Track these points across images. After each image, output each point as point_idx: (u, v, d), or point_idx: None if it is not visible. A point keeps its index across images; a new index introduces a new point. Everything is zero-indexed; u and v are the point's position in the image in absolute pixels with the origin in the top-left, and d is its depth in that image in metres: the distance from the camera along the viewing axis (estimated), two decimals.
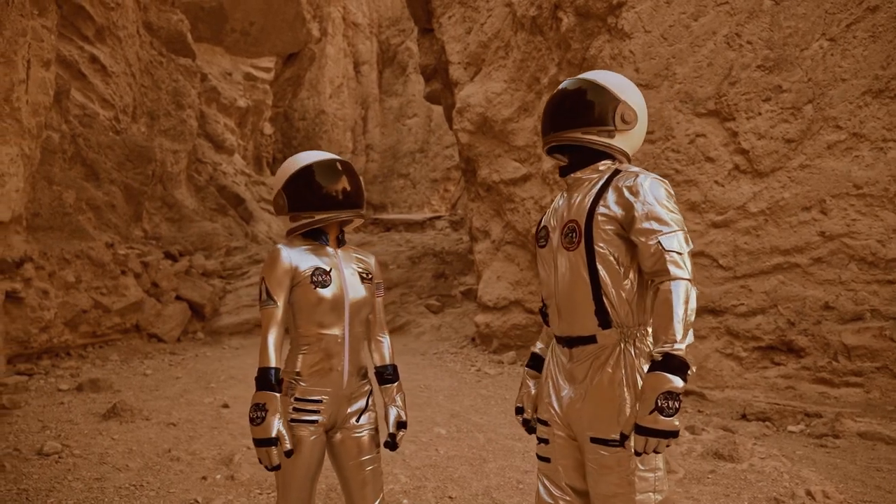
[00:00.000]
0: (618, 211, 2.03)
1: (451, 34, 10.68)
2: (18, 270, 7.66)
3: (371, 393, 2.65)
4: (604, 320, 2.07)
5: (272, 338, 2.38)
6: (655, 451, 1.85)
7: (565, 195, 2.24)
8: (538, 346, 2.45)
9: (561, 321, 2.16)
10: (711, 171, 7.01)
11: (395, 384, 2.71)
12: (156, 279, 10.30)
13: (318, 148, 28.42)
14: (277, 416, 2.28)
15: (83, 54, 10.23)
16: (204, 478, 4.35)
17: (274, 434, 2.26)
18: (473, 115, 9.94)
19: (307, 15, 18.76)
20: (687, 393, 6.86)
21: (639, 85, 7.48)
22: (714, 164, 6.99)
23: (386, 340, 2.77)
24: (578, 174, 2.17)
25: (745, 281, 6.82)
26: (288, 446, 2.30)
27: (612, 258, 2.05)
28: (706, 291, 6.96)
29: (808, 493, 3.74)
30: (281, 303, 2.42)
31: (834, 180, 6.47)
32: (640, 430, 1.83)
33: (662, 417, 1.79)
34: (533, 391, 2.40)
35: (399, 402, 2.69)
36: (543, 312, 2.35)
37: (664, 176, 7.18)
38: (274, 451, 2.26)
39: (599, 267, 2.05)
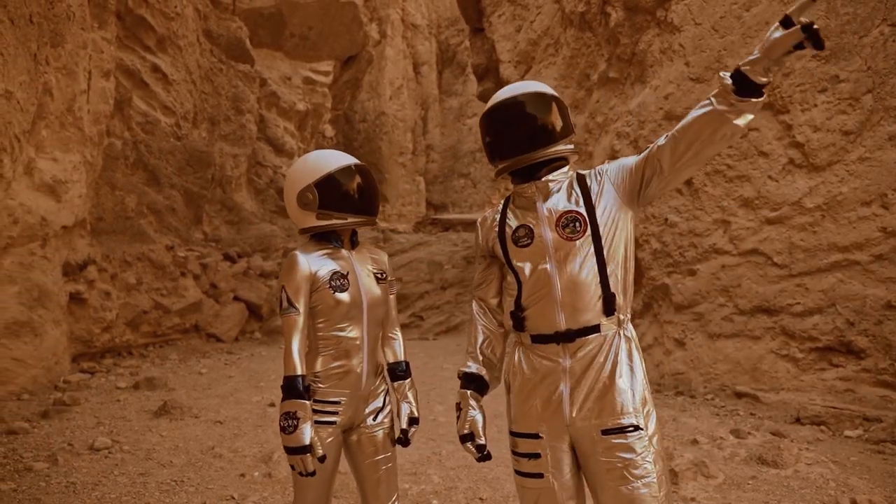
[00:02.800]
0: (611, 185, 2.14)
1: (501, 33, 10.65)
2: (82, 273, 7.99)
3: (388, 391, 2.67)
4: (609, 307, 2.08)
5: (296, 345, 2.39)
6: None
7: (530, 199, 2.20)
8: (473, 367, 2.29)
9: (561, 316, 2.10)
10: (765, 165, 6.77)
11: (408, 381, 2.71)
12: (214, 280, 10.59)
13: (379, 150, 28.74)
14: (309, 423, 2.32)
15: (145, 63, 10.59)
16: (242, 475, 4.44)
17: (307, 442, 2.30)
18: None
19: (364, 18, 18.97)
20: (740, 395, 6.66)
21: (689, 79, 7.37)
22: (768, 158, 6.75)
23: (398, 337, 2.77)
24: (550, 178, 2.18)
25: (801, 279, 6.56)
26: (320, 452, 2.34)
27: (619, 241, 2.11)
28: (760, 290, 6.73)
29: (854, 503, 3.57)
30: (302, 309, 2.43)
31: None
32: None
33: None
34: (479, 415, 2.24)
35: (411, 399, 2.68)
36: (518, 317, 2.20)
37: (715, 172, 7.05)
38: (309, 458, 2.30)
39: (605, 251, 2.09)
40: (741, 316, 6.87)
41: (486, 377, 2.29)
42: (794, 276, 6.59)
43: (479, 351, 2.30)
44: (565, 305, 2.10)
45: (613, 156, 8.41)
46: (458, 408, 2.27)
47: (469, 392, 2.26)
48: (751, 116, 1.89)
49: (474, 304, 2.39)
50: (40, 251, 7.10)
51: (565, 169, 2.21)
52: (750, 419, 5.89)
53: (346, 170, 2.50)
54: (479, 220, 2.38)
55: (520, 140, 2.15)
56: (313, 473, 2.32)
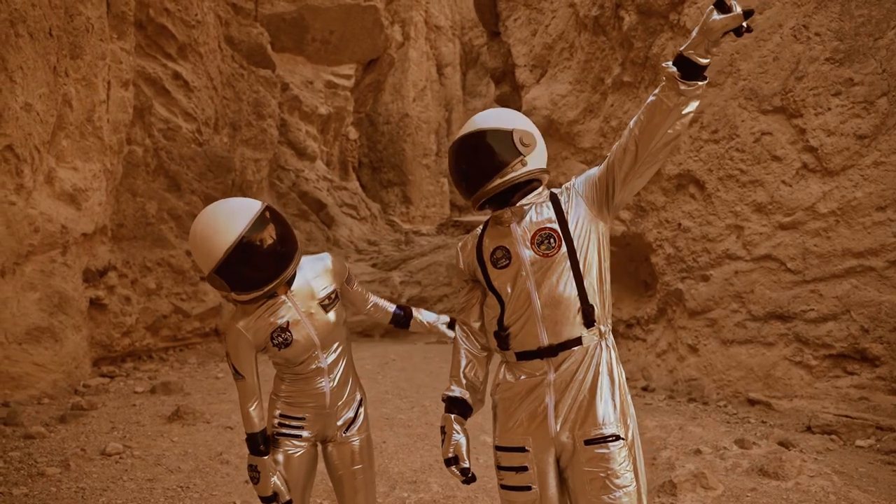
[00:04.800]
0: (580, 199, 2.20)
1: (516, 37, 10.65)
2: (102, 279, 8.16)
3: (361, 402, 2.72)
4: (588, 319, 2.15)
5: (251, 408, 2.52)
6: None
7: (506, 222, 2.26)
8: (456, 391, 2.32)
9: (543, 332, 2.16)
10: (778, 170, 6.70)
11: (414, 317, 2.87)
12: None
13: (403, 152, 28.81)
14: (270, 475, 2.49)
15: (166, 71, 10.76)
16: (247, 481, 4.52)
17: (271, 493, 2.48)
18: (539, 117, 9.86)
19: (385, 21, 19.09)
20: (753, 402, 6.60)
21: None
22: (781, 163, 6.68)
23: (376, 300, 2.85)
24: (524, 201, 2.25)
25: (815, 285, 6.48)
26: (286, 497, 2.49)
27: (593, 253, 2.18)
28: (773, 296, 6.66)
29: None
30: (250, 374, 2.51)
31: None
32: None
33: None
34: (463, 439, 2.28)
35: (429, 317, 2.88)
36: (501, 337, 2.25)
37: (728, 177, 7.00)
38: None
39: (581, 265, 2.15)
40: (754, 322, 6.81)
41: (470, 401, 2.33)
42: (808, 282, 6.51)
43: (462, 375, 2.35)
44: (546, 321, 2.15)
45: None
46: (443, 431, 2.31)
47: (453, 416, 2.30)
48: (696, 104, 1.96)
49: (457, 328, 2.45)
50: (61, 258, 7.27)
51: (539, 190, 2.27)
52: (760, 427, 5.84)
53: (238, 247, 2.31)
54: (460, 245, 2.42)
55: (482, 171, 2.21)
56: None
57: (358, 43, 18.60)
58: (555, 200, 2.24)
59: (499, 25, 11.37)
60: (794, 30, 6.61)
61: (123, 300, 8.47)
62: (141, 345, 8.81)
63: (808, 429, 5.76)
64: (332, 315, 2.57)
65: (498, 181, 2.19)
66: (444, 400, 2.35)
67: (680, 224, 7.60)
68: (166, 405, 6.51)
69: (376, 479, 4.24)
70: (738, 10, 1.85)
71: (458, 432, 2.27)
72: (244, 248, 2.31)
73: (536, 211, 2.23)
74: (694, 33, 1.90)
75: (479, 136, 2.25)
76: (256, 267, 2.35)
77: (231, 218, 2.35)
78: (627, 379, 7.16)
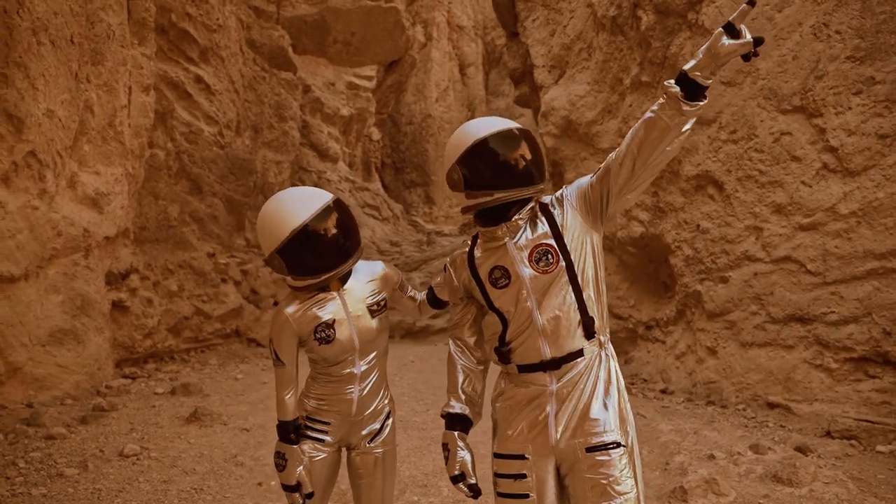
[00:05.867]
0: (574, 211, 2.18)
1: (535, 37, 10.62)
2: (124, 281, 8.29)
3: (389, 415, 2.72)
4: (589, 331, 2.17)
5: (286, 395, 2.54)
6: None
7: (500, 239, 2.23)
8: (457, 407, 2.33)
9: (545, 346, 2.17)
10: (798, 170, 6.61)
11: None
12: (255, 286, 10.85)
13: (426, 153, 28.84)
14: (297, 464, 2.48)
15: (188, 75, 10.89)
16: (259, 483, 4.57)
17: (295, 482, 2.48)
18: (558, 118, 9.84)
19: (406, 23, 19.12)
20: (773, 405, 6.52)
21: (720, 82, 7.23)
22: (801, 163, 6.59)
23: (421, 296, 2.84)
24: (518, 216, 2.22)
25: (835, 287, 6.38)
26: (309, 489, 2.50)
27: (590, 265, 2.18)
28: (793, 298, 6.58)
29: None
30: (290, 361, 2.53)
31: None
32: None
33: None
34: (468, 455, 2.28)
35: None
36: (502, 352, 2.26)
37: (747, 177, 6.92)
38: (296, 495, 2.49)
39: (580, 278, 2.15)
40: (774, 324, 6.72)
41: (470, 415, 2.34)
42: (829, 283, 6.42)
43: (460, 390, 2.35)
44: (548, 335, 2.17)
45: None
46: (446, 448, 2.32)
47: (456, 433, 2.31)
48: (693, 120, 1.96)
49: (452, 343, 2.44)
50: (83, 261, 7.40)
51: (530, 204, 2.25)
52: (779, 431, 5.77)
53: (304, 230, 2.37)
54: (449, 261, 2.41)
55: (519, 173, 2.19)
56: None
57: (379, 44, 18.64)
58: (547, 213, 2.21)
59: (517, 26, 11.35)
60: (813, 28, 6.52)
61: (145, 302, 8.60)
62: (163, 346, 8.94)
63: (828, 433, 5.67)
64: (376, 322, 2.58)
65: (530, 189, 2.19)
66: (443, 416, 2.35)
67: (699, 225, 7.53)
68: (185, 406, 6.59)
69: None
70: (749, 37, 1.86)
71: (462, 448, 2.29)
72: (308, 233, 2.37)
73: (531, 225, 2.21)
74: (700, 54, 1.89)
75: (531, 135, 2.26)
76: (317, 254, 2.41)
77: (301, 203, 2.42)
78: (646, 381, 7.11)
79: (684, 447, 5.00)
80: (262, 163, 12.95)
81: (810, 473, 4.18)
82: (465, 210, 2.28)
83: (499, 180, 2.17)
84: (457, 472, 2.28)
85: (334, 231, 2.43)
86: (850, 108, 6.28)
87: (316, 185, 16.91)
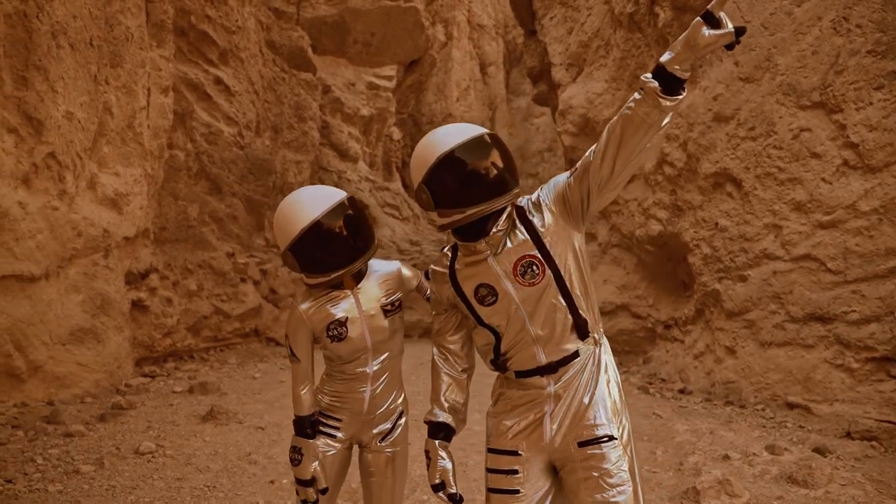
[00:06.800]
0: (553, 214, 2.10)
1: (552, 35, 10.58)
2: (144, 281, 8.38)
3: (402, 415, 2.72)
4: (582, 332, 2.14)
5: (302, 391, 2.58)
6: None
7: (482, 255, 2.16)
8: (440, 416, 2.30)
9: (540, 353, 2.15)
10: (818, 167, 6.50)
11: None
12: (273, 286, 10.92)
13: None
14: (313, 459, 2.51)
15: (208, 76, 10.98)
16: (272, 481, 4.59)
17: (310, 477, 2.50)
18: (575, 116, 9.79)
19: (426, 22, 19.13)
20: (792, 406, 6.43)
21: (738, 79, 7.15)
22: (820, 160, 6.49)
23: None
24: (497, 228, 2.14)
25: (856, 286, 6.27)
26: (324, 485, 2.52)
27: (574, 267, 2.13)
28: (813, 297, 6.47)
29: None
30: (305, 357, 2.56)
31: None
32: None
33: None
34: (449, 464, 2.27)
35: None
36: (498, 363, 2.24)
37: (766, 175, 6.82)
38: (311, 490, 2.51)
39: (567, 282, 2.11)
40: (793, 324, 6.62)
41: (453, 423, 2.32)
42: (850, 282, 6.31)
43: (443, 398, 2.33)
44: (542, 343, 2.15)
45: (663, 159, 8.23)
46: (428, 456, 2.30)
47: (438, 441, 2.29)
48: (672, 114, 1.88)
49: (435, 350, 2.41)
50: (103, 261, 7.49)
51: (507, 210, 2.17)
52: (798, 432, 5.69)
53: (315, 227, 2.39)
54: (430, 271, 2.37)
55: (490, 184, 2.08)
56: (316, 502, 2.53)
57: (399, 44, 18.68)
58: (525, 220, 2.13)
59: (535, 24, 11.31)
60: (833, 22, 6.41)
61: (165, 301, 8.69)
62: (182, 345, 9.03)
63: (848, 434, 5.58)
64: (389, 322, 2.58)
65: (504, 200, 2.09)
66: (426, 423, 2.33)
67: (717, 223, 7.45)
68: (202, 405, 6.64)
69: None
70: (730, 26, 1.77)
71: (443, 458, 2.27)
72: (319, 231, 2.38)
73: (510, 235, 2.13)
74: (678, 46, 1.80)
75: (496, 142, 2.15)
76: (328, 251, 2.42)
77: (314, 201, 2.43)
78: (664, 381, 7.04)
79: (699, 447, 4.94)
80: (281, 163, 13.03)
81: (826, 475, 4.12)
82: (441, 228, 2.19)
83: (469, 196, 2.07)
84: (437, 481, 2.27)
85: (346, 229, 2.43)
86: (871, 104, 6.17)
87: (336, 185, 17.00)
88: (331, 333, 2.50)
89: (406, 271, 2.69)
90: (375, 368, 2.58)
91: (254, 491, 4.45)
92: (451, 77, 28.47)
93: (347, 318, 2.51)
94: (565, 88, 10.18)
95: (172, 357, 8.97)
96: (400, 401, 2.72)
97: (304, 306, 2.52)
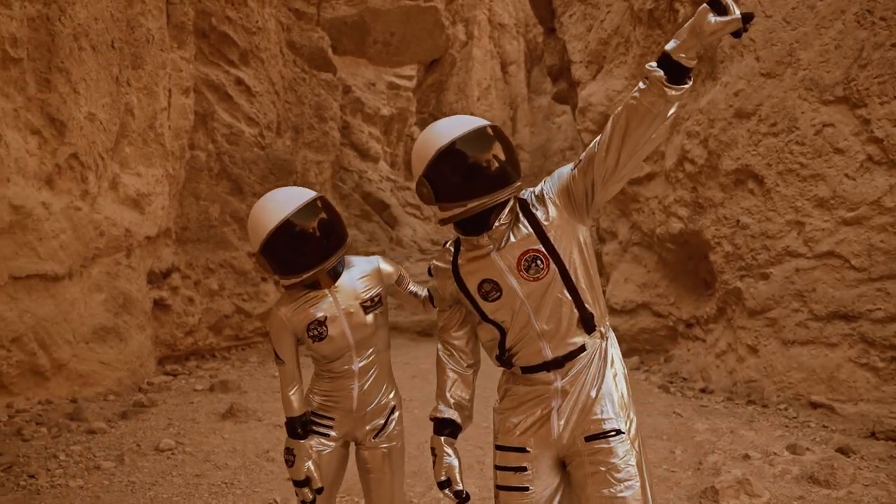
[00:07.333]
0: (557, 207, 2.07)
1: (572, 33, 10.51)
2: (166, 280, 8.47)
3: (394, 410, 2.73)
4: (589, 325, 2.12)
5: (290, 392, 2.61)
6: None
7: (485, 250, 2.14)
8: (446, 412, 2.27)
9: (546, 348, 2.13)
10: (841, 163, 6.40)
11: None
12: None
13: None
14: (305, 459, 2.54)
15: (229, 77, 11.07)
16: (289, 478, 4.61)
17: (303, 477, 2.54)
18: (595, 114, 9.72)
19: (446, 21, 19.15)
20: (815, 405, 6.33)
21: (760, 74, 7.05)
22: (844, 155, 6.38)
23: (426, 292, 2.78)
24: (500, 222, 2.11)
25: (881, 283, 6.16)
26: (319, 484, 2.55)
27: (579, 261, 2.10)
28: (837, 295, 6.37)
29: None
30: (290, 359, 2.60)
31: None
32: None
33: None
34: (455, 461, 2.24)
35: None
36: (504, 359, 2.22)
37: (788, 171, 6.73)
38: (306, 489, 2.55)
39: (572, 276, 2.09)
40: (817, 322, 6.52)
41: (458, 420, 2.29)
42: (874, 279, 6.20)
43: (448, 395, 2.30)
44: (548, 338, 2.13)
45: (684, 156, 8.15)
46: (433, 453, 2.29)
47: (443, 438, 2.27)
48: (678, 104, 1.84)
49: (440, 346, 2.38)
50: (125, 261, 7.58)
51: (510, 205, 2.14)
52: (821, 432, 5.60)
53: (282, 228, 2.39)
54: (432, 266, 2.34)
55: (491, 176, 2.04)
56: (313, 502, 2.56)
57: (419, 44, 18.72)
58: (528, 213, 2.10)
59: (554, 22, 11.26)
60: (857, 15, 6.30)
61: (187, 301, 8.78)
62: (204, 344, 9.12)
63: (872, 434, 5.48)
64: (370, 318, 2.58)
65: (506, 193, 2.05)
66: (432, 420, 2.32)
67: (738, 221, 7.35)
68: (222, 403, 6.70)
69: (415, 478, 4.28)
70: (737, 13, 1.71)
71: (449, 454, 2.25)
72: (287, 231, 2.39)
73: (513, 229, 2.11)
74: (684, 33, 1.76)
75: (497, 133, 2.11)
76: (297, 251, 2.42)
77: (282, 202, 2.44)
78: (685, 380, 6.97)
79: (719, 447, 4.89)
80: (302, 163, 13.10)
81: (849, 475, 4.05)
82: (442, 222, 2.17)
83: (470, 189, 2.03)
84: (443, 478, 2.25)
85: (315, 228, 2.43)
86: (895, 98, 6.07)
87: (357, 185, 17.13)
88: (311, 333, 2.52)
89: (386, 266, 2.69)
90: (361, 365, 2.59)
91: (271, 488, 4.48)
92: (471, 76, 28.46)
93: (327, 317, 2.52)
94: (585, 86, 10.12)
95: (194, 356, 9.06)
96: (392, 395, 2.73)
97: (283, 309, 2.55)
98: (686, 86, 1.80)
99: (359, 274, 2.63)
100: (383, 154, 19.40)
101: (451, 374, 2.32)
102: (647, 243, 9.50)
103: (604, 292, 10.43)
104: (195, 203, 9.62)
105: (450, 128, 2.12)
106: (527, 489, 2.16)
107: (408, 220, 18.62)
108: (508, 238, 2.11)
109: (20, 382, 6.28)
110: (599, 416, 2.09)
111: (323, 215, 2.47)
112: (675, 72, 1.78)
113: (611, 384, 2.13)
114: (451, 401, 2.29)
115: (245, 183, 10.76)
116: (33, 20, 6.03)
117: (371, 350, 2.62)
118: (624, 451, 2.05)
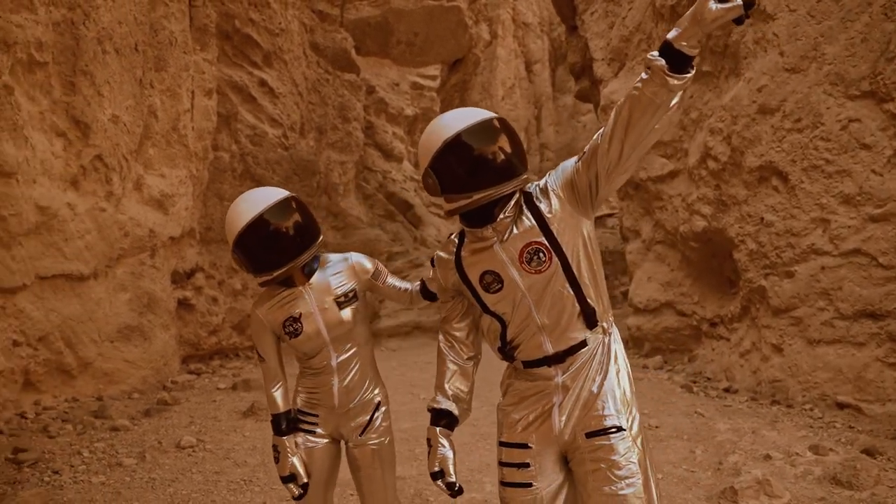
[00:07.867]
0: (561, 200, 2.06)
1: (594, 30, 10.44)
2: (190, 280, 8.56)
3: (379, 406, 2.73)
4: (590, 321, 2.10)
5: (273, 390, 2.67)
6: None
7: (488, 241, 2.13)
8: (443, 403, 2.26)
9: (547, 342, 2.12)
10: (868, 159, 6.27)
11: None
12: None
13: None
14: (290, 455, 2.59)
15: (252, 79, 11.17)
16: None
17: (288, 473, 2.59)
18: None
19: (469, 21, 19.13)
20: (842, 406, 6.22)
21: (784, 69, 6.95)
22: (870, 151, 6.26)
23: (410, 286, 2.81)
24: (504, 214, 2.10)
25: None
26: (304, 479, 2.58)
27: (583, 255, 2.08)
28: (864, 293, 6.25)
29: None
30: (271, 358, 2.65)
31: None
32: None
33: None
34: (449, 452, 2.21)
35: None
36: (505, 351, 2.20)
37: (813, 167, 6.62)
38: (292, 485, 2.59)
39: (575, 270, 2.07)
40: (843, 321, 6.40)
41: (456, 412, 2.28)
42: None
43: (447, 386, 2.29)
44: (549, 332, 2.12)
45: (707, 153, 8.05)
46: (429, 444, 2.27)
47: (439, 429, 2.25)
48: (680, 93, 1.80)
49: (441, 337, 2.37)
50: (150, 261, 7.68)
51: (515, 197, 2.13)
52: (847, 432, 5.49)
53: (254, 225, 2.42)
54: (435, 258, 2.33)
55: (497, 168, 2.03)
56: (298, 497, 2.59)
57: (442, 44, 18.72)
58: (532, 206, 2.09)
59: (576, 19, 11.20)
60: (884, 7, 6.18)
61: (210, 300, 8.87)
62: (227, 343, 9.21)
63: None
64: (346, 313, 2.59)
65: (510, 184, 2.03)
66: (429, 411, 2.31)
67: (763, 218, 7.25)
68: (244, 401, 6.76)
69: (429, 477, 4.26)
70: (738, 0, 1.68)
71: (443, 446, 2.22)
72: (258, 229, 2.42)
73: (517, 221, 2.09)
74: (685, 21, 1.73)
75: (504, 125, 2.10)
76: (268, 248, 2.45)
77: (255, 201, 2.48)
78: (709, 379, 6.87)
79: (740, 447, 4.81)
80: (325, 163, 13.17)
81: (873, 476, 3.96)
82: (448, 213, 2.15)
83: (476, 180, 2.02)
84: (436, 469, 2.22)
85: (286, 226, 2.46)
86: None
87: (381, 185, 17.15)
88: (287, 330, 2.56)
89: (360, 261, 2.69)
90: (340, 360, 2.61)
91: None
92: (496, 75, 28.39)
93: (301, 313, 2.55)
94: (607, 83, 10.05)
95: (218, 355, 9.15)
96: (376, 391, 2.73)
97: (260, 308, 2.60)
98: (688, 75, 1.77)
99: (332, 270, 2.64)
100: (407, 154, 19.43)
101: (450, 365, 2.32)
102: (670, 242, 9.41)
103: (627, 291, 10.37)
104: (219, 203, 9.72)
105: (456, 120, 2.11)
106: (530, 485, 2.14)
107: (432, 220, 18.62)
108: (512, 230, 2.10)
109: (47, 380, 6.39)
110: (600, 413, 2.06)
111: (295, 213, 2.50)
112: (678, 61, 1.74)
113: (613, 380, 2.10)
114: (450, 392, 2.28)
115: (269, 183, 10.83)
116: (58, 24, 6.13)
117: (349, 345, 2.63)
118: (625, 448, 2.03)
